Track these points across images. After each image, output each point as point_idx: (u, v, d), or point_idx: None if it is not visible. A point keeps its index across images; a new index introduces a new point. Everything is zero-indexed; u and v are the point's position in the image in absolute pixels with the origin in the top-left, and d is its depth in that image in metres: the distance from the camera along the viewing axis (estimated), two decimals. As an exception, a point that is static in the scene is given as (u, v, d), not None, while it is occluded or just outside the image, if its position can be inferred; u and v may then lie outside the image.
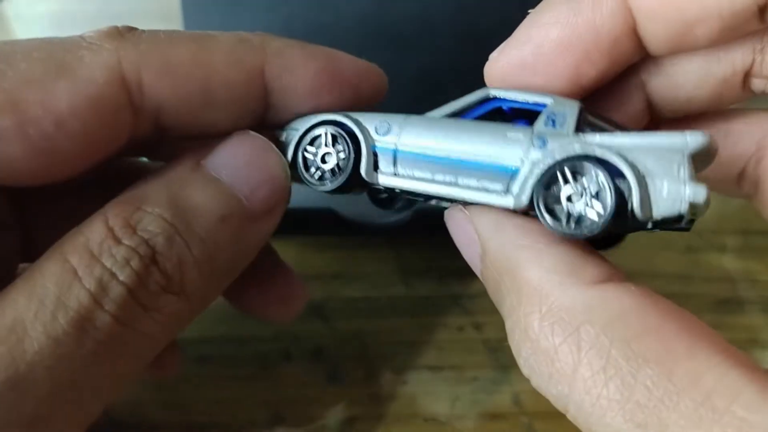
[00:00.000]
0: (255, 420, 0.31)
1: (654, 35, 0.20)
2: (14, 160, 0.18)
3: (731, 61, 0.21)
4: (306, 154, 0.22)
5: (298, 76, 0.21)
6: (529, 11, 0.21)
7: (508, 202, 0.19)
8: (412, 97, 0.34)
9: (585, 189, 0.18)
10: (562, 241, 0.19)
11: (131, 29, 0.20)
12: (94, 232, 0.18)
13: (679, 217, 0.17)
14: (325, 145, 0.21)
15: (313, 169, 0.22)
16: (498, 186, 0.19)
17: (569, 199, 0.18)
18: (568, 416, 0.17)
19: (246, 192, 0.20)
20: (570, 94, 0.21)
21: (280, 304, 0.27)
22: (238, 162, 0.20)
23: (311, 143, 0.22)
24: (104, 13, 0.45)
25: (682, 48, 0.20)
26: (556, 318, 0.17)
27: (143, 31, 0.20)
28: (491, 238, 0.19)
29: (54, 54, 0.19)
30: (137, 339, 0.18)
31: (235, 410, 0.31)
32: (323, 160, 0.22)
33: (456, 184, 0.20)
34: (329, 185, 0.21)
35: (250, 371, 0.32)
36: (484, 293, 0.26)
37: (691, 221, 0.18)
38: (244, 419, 0.31)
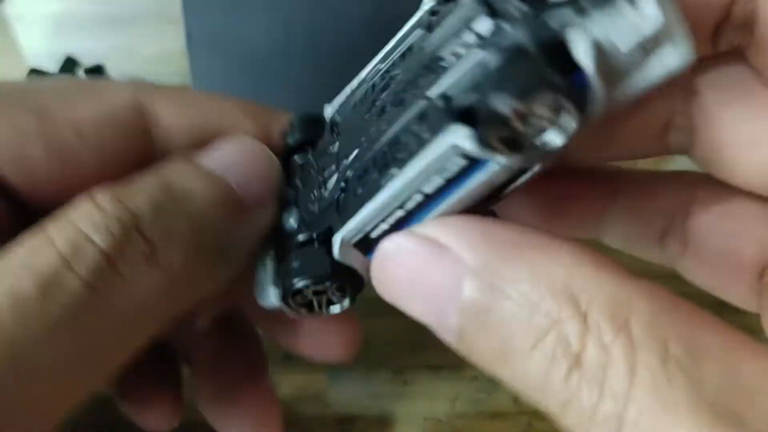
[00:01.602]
0: (255, 419, 0.31)
1: None
2: (35, 160, 0.19)
3: (650, 108, 0.19)
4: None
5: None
6: None
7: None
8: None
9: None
10: (564, 240, 0.15)
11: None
12: (77, 204, 0.17)
13: None
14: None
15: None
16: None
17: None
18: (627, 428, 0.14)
19: (238, 181, 0.20)
20: None
21: (332, 345, 0.25)
22: (231, 157, 0.21)
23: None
24: (105, 14, 0.45)
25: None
26: (599, 316, 0.14)
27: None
28: (486, 255, 0.14)
29: (82, 82, 0.23)
30: (111, 312, 0.16)
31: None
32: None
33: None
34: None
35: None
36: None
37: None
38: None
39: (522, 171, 0.15)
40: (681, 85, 0.19)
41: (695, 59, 0.14)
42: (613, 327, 0.13)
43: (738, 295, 0.22)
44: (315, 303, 0.18)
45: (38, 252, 0.16)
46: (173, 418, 0.25)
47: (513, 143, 0.13)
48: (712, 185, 0.21)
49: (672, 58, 0.13)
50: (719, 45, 0.17)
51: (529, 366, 0.14)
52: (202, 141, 0.21)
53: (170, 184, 0.19)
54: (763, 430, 0.13)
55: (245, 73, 0.35)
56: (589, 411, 0.13)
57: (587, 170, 0.21)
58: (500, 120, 0.12)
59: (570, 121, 0.13)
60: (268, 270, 0.20)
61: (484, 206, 0.16)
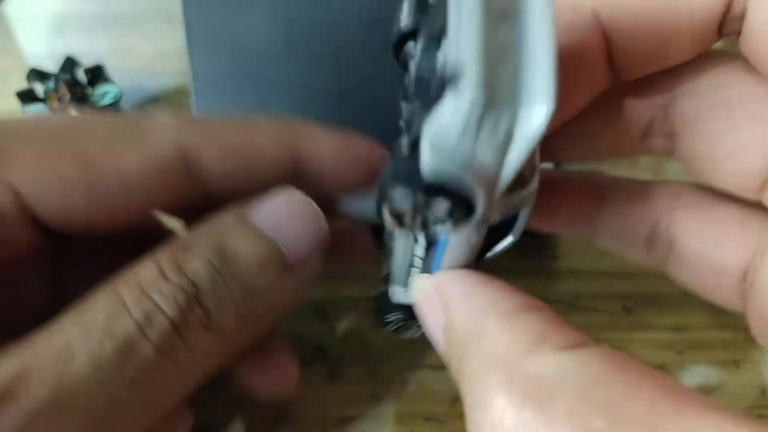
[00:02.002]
0: (255, 419, 0.31)
1: (629, 56, 0.19)
2: (78, 208, 0.20)
3: (633, 114, 0.21)
4: None
5: (323, 160, 0.23)
6: None
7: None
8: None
9: None
10: (532, 308, 0.17)
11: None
12: (144, 269, 0.19)
13: None
14: None
15: None
16: None
17: None
18: None
19: (286, 243, 0.21)
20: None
21: (271, 381, 0.27)
22: (279, 215, 0.21)
23: None
24: (105, 14, 0.45)
25: (653, 69, 0.20)
26: (527, 390, 0.15)
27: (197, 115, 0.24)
28: (458, 306, 0.18)
29: (124, 122, 0.21)
30: (174, 371, 0.19)
31: (235, 409, 0.31)
32: None
33: None
34: None
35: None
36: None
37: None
38: (244, 419, 0.31)
39: (494, 241, 0.18)
40: (662, 93, 0.20)
41: (552, 112, 0.13)
42: (537, 406, 0.14)
43: (723, 297, 0.22)
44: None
45: (116, 318, 0.18)
46: (291, 382, 0.27)
47: (416, 224, 0.15)
48: (696, 192, 0.22)
49: (525, 126, 0.13)
50: (722, 33, 0.18)
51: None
52: (240, 173, 0.22)
53: (224, 248, 0.20)
54: None
55: (245, 73, 0.35)
56: None
57: (578, 175, 0.22)
58: (398, 212, 0.15)
59: (440, 213, 0.14)
60: None
61: (480, 261, 0.19)
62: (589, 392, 0.14)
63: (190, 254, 0.20)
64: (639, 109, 0.21)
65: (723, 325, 0.34)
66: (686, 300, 0.36)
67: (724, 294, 0.22)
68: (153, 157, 0.21)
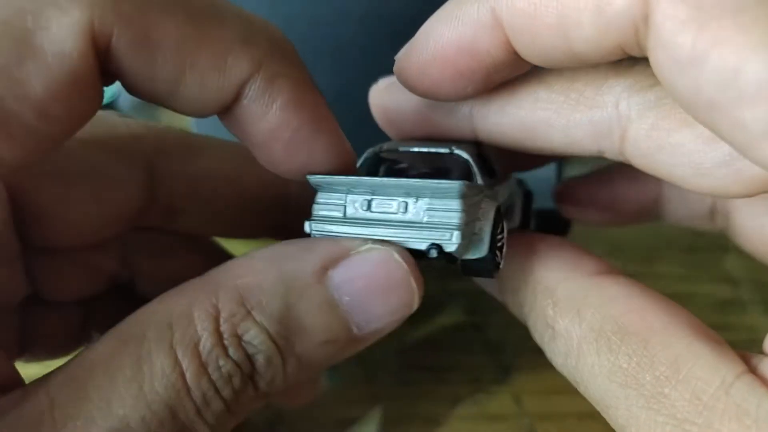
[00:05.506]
0: (255, 420, 0.31)
1: (527, 49, 0.20)
2: (2, 159, 0.17)
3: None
4: (498, 244, 0.21)
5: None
6: None
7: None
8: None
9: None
10: (561, 245, 0.23)
11: None
12: (204, 328, 0.18)
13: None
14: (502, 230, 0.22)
15: (497, 258, 0.22)
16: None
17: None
18: (579, 390, 0.20)
19: (360, 322, 0.19)
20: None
21: (295, 392, 0.27)
22: (365, 289, 0.19)
23: (501, 231, 0.22)
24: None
25: (562, 62, 0.20)
26: (564, 304, 0.21)
27: None
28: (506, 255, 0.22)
29: (13, 24, 0.16)
30: None
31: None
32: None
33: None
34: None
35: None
36: (483, 293, 0.26)
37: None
38: (243, 420, 0.31)
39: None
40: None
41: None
42: (571, 314, 0.20)
43: None
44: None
45: (177, 401, 0.17)
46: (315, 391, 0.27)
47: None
48: None
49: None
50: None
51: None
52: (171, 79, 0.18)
53: (290, 316, 0.18)
54: (656, 388, 0.18)
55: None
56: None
57: (632, 170, 0.24)
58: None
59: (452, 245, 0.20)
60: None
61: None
62: (604, 307, 0.20)
63: (251, 319, 0.18)
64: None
65: (724, 326, 0.34)
66: (686, 300, 0.36)
67: None
68: (60, 70, 0.16)
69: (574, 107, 0.22)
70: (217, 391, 0.18)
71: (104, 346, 0.18)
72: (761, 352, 0.18)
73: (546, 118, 0.22)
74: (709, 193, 0.21)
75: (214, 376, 0.18)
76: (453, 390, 0.32)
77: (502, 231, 0.22)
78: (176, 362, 0.17)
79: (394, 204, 0.20)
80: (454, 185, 0.19)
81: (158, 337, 0.18)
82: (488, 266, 0.21)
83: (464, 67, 0.21)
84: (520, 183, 0.28)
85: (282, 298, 0.18)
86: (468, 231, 0.20)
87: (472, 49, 0.20)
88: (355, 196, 0.20)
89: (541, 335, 0.22)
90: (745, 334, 0.34)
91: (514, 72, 0.22)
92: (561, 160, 0.37)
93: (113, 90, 0.39)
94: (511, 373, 0.32)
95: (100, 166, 0.23)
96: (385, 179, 0.20)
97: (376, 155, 0.23)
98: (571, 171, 0.39)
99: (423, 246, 0.19)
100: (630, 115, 0.21)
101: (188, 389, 0.17)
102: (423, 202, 0.20)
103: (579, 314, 0.20)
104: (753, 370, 0.17)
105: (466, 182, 0.19)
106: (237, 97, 0.19)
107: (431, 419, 0.31)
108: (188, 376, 0.17)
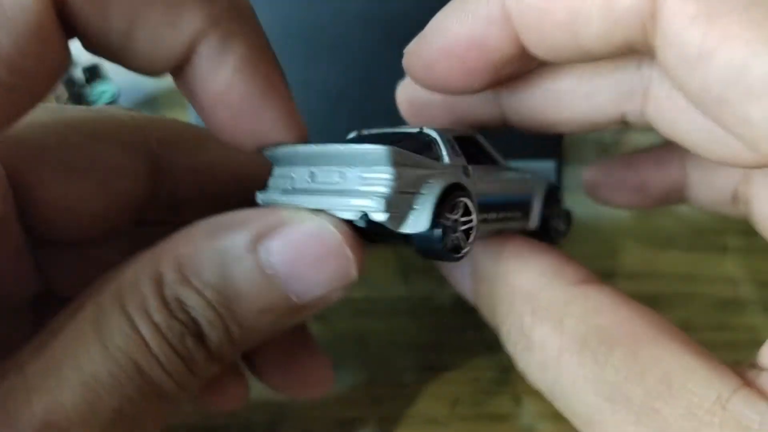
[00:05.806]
0: (255, 421, 0.31)
1: (536, 44, 0.20)
2: None
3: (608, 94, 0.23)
4: (446, 223, 0.20)
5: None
6: None
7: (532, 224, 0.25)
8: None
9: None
10: (544, 250, 0.22)
11: None
12: (149, 292, 0.18)
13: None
14: (463, 213, 0.21)
15: (453, 240, 0.20)
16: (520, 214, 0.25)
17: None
18: (557, 404, 0.19)
19: (298, 291, 0.19)
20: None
21: (307, 384, 0.27)
22: (299, 258, 0.19)
23: (451, 210, 0.20)
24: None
25: (570, 57, 0.20)
26: (544, 312, 0.20)
27: None
28: (483, 255, 0.22)
29: None
30: (183, 395, 0.20)
31: (234, 411, 0.31)
32: (462, 230, 0.20)
33: (505, 219, 0.23)
34: (465, 251, 0.21)
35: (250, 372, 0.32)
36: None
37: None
38: (243, 420, 0.31)
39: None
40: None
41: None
42: (551, 322, 0.20)
43: None
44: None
45: (142, 358, 0.18)
46: (243, 397, 0.27)
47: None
48: None
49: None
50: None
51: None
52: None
53: (227, 286, 0.19)
54: (646, 403, 0.17)
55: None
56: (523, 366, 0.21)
57: (661, 148, 0.25)
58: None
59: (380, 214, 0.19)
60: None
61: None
62: (588, 317, 0.19)
63: (189, 286, 0.19)
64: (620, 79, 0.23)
65: (724, 326, 0.34)
66: (687, 300, 0.36)
67: None
68: (23, 23, 0.16)
69: (597, 71, 0.22)
70: (173, 348, 0.18)
71: (65, 315, 0.19)
72: (757, 365, 0.18)
73: (570, 87, 0.22)
74: (721, 161, 0.20)
75: (168, 335, 0.18)
76: (453, 391, 0.32)
77: (469, 215, 0.21)
78: (131, 322, 0.18)
79: (335, 175, 0.20)
80: (380, 149, 0.18)
81: (111, 302, 0.18)
82: (436, 246, 0.19)
83: (472, 61, 0.21)
84: (553, 189, 0.27)
85: (218, 267, 0.19)
86: (402, 201, 0.19)
87: (481, 44, 0.20)
88: (301, 168, 0.20)
89: (514, 344, 0.21)
90: (745, 334, 0.34)
91: (522, 68, 0.22)
92: (561, 160, 0.37)
93: (114, 90, 0.39)
94: (511, 373, 0.32)
95: (105, 158, 0.23)
96: (318, 147, 0.19)
97: (359, 136, 0.24)
98: (572, 171, 0.39)
99: (353, 215, 0.19)
100: (652, 75, 0.21)
101: (147, 344, 0.18)
102: (357, 170, 0.19)
103: (561, 323, 0.20)
104: (750, 384, 0.17)
105: (396, 149, 0.18)
106: (189, 55, 0.19)
107: (431, 419, 0.31)
108: (144, 332, 0.18)
